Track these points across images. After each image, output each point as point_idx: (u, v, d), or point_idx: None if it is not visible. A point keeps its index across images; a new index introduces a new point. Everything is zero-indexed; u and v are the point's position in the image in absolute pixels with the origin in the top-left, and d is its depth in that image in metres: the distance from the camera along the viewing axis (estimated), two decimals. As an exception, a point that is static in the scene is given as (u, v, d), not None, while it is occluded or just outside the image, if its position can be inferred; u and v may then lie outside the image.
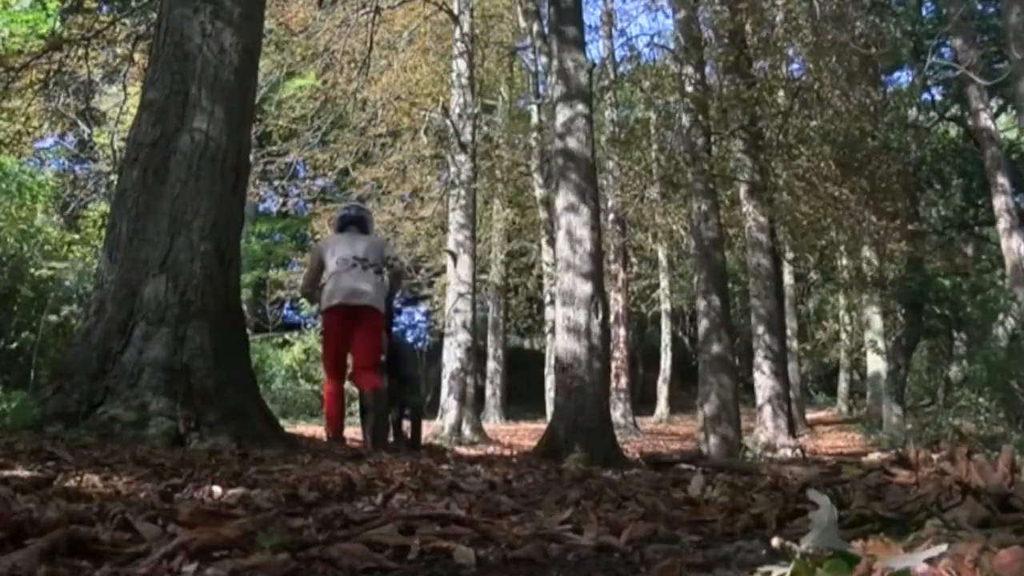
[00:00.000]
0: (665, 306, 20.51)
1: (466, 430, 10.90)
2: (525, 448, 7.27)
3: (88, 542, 1.31)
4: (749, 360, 12.40)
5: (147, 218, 3.84)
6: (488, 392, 18.72)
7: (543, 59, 10.76)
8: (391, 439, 5.42)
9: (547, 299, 16.47)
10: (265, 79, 13.01)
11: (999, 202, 11.03)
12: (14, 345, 7.37)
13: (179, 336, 3.65)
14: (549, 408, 12.58)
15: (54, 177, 11.47)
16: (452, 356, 11.35)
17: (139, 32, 8.61)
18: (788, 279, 17.27)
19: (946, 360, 14.48)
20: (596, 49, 19.35)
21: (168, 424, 3.43)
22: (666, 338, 20.07)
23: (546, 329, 16.44)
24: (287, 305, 20.93)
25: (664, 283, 20.40)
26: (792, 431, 10.82)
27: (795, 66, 12.42)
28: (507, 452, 6.80)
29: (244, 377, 4.04)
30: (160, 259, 3.76)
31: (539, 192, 16.63)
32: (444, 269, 15.49)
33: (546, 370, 16.39)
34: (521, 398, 20.11)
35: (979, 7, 14.55)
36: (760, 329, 10.66)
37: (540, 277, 17.95)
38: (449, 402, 11.02)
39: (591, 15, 18.35)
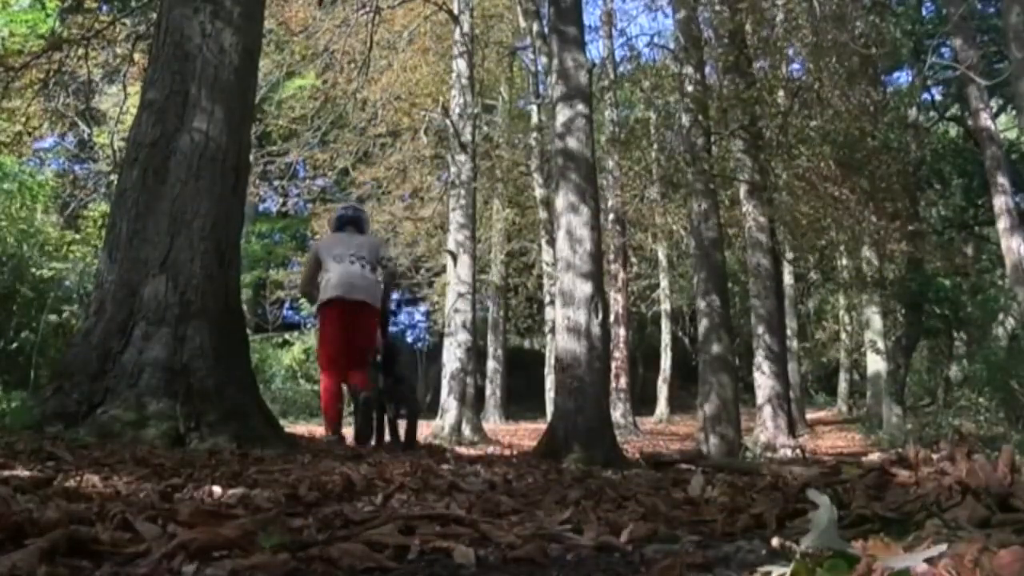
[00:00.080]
0: (665, 306, 20.51)
1: (466, 430, 10.89)
2: (525, 448, 7.26)
3: (88, 542, 1.31)
4: (749, 360, 12.40)
5: (147, 218, 3.84)
6: (488, 392, 18.72)
7: (543, 59, 10.77)
8: (387, 438, 5.46)
9: (547, 299, 16.47)
10: (265, 79, 13.01)
11: (999, 202, 11.03)
12: (14, 345, 7.38)
13: (179, 336, 3.65)
14: (549, 408, 12.59)
15: (54, 177, 11.46)
16: (452, 356, 11.35)
17: (139, 32, 8.61)
18: (788, 279, 17.26)
19: (946, 360, 14.49)
20: (596, 49, 19.36)
21: (168, 424, 3.43)
22: (666, 338, 20.07)
23: (546, 329, 16.43)
24: (287, 305, 20.95)
25: (664, 283, 20.40)
26: (792, 431, 10.82)
27: (795, 66, 12.44)
28: (507, 452, 6.80)
29: (244, 377, 4.04)
30: (160, 259, 3.76)
31: (539, 192, 16.63)
32: (444, 269, 15.49)
33: (546, 370, 16.39)
34: (521, 398, 20.11)
35: (979, 7, 14.55)
36: (760, 329, 10.66)
37: (540, 277, 17.95)
38: (449, 402, 11.02)
39: (591, 15, 18.35)
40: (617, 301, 15.68)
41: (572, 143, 6.27)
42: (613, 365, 14.08)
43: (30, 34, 9.44)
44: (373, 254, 5.35)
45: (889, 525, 1.57)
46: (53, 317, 7.74)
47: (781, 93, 11.32)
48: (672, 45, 11.95)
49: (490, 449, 8.08)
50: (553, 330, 10.16)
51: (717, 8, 10.72)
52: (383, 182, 16.54)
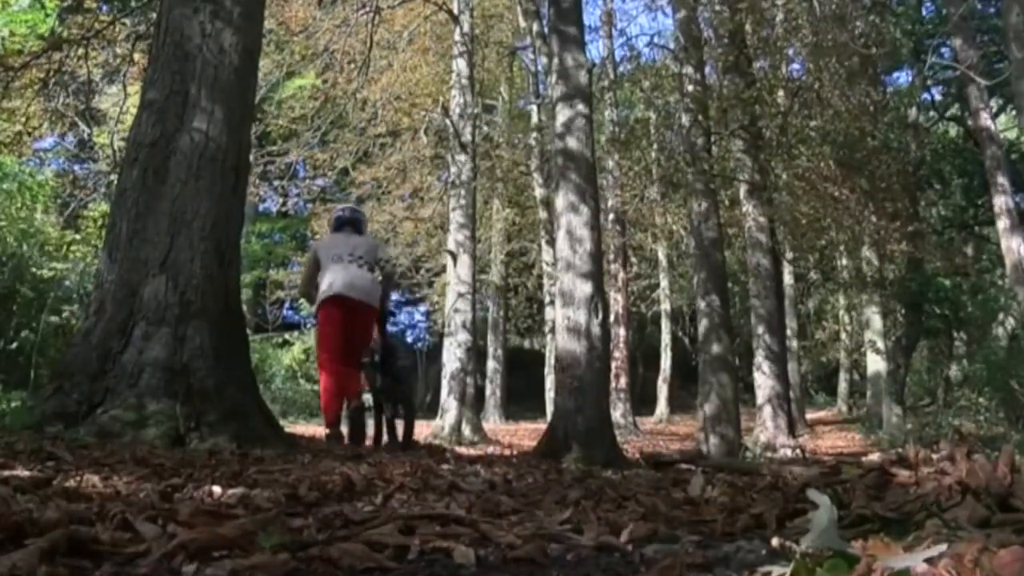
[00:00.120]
0: (665, 306, 20.51)
1: (466, 430, 10.89)
2: (525, 448, 7.26)
3: (88, 542, 1.31)
4: (749, 360, 12.40)
5: (147, 218, 3.84)
6: (488, 392, 18.72)
7: (543, 59, 10.76)
8: (385, 438, 5.50)
9: (547, 299, 16.47)
10: (265, 79, 13.01)
11: (999, 202, 11.04)
12: (14, 345, 7.38)
13: (179, 336, 3.65)
14: (549, 408, 12.58)
15: (54, 177, 11.46)
16: (452, 356, 11.35)
17: (139, 32, 8.60)
18: (788, 279, 17.26)
19: (946, 360, 14.49)
20: (596, 49, 19.37)
21: (168, 424, 3.43)
22: (666, 338, 20.07)
23: (546, 329, 16.44)
24: (287, 305, 20.95)
25: (664, 283, 20.40)
26: (792, 431, 10.82)
27: (795, 66, 12.44)
28: (507, 452, 6.80)
29: (244, 377, 4.04)
30: (160, 259, 3.76)
31: (539, 192, 16.63)
32: (444, 269, 15.49)
33: (546, 370, 16.39)
34: (521, 398, 20.11)
35: (979, 7, 14.55)
36: (760, 329, 10.66)
37: (540, 277, 17.95)
38: (449, 402, 11.02)
39: (591, 15, 18.36)
40: (617, 301, 15.68)
41: (572, 143, 6.27)
42: (613, 365, 14.08)
43: (30, 34, 9.44)
44: (371, 254, 5.41)
45: (889, 525, 1.57)
46: (53, 317, 7.75)
47: (781, 93, 11.32)
48: (672, 45, 11.95)
49: (490, 449, 8.08)
50: (553, 330, 10.15)
51: (717, 8, 10.72)
52: (383, 182, 16.54)
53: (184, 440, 3.42)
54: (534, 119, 18.22)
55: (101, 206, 10.58)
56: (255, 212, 20.01)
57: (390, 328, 6.34)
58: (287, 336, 17.79)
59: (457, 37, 12.80)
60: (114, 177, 7.86)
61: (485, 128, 17.57)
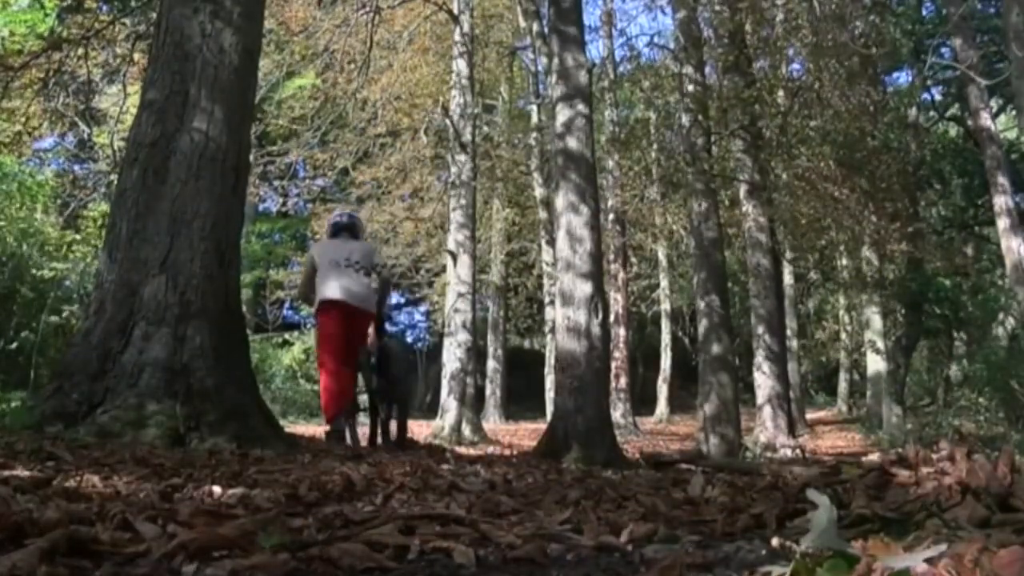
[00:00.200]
0: (665, 306, 20.51)
1: (466, 430, 10.90)
2: (525, 448, 7.26)
3: (88, 542, 1.31)
4: (749, 360, 12.40)
5: (147, 218, 3.83)
6: (488, 392, 18.71)
7: (543, 59, 10.76)
8: (379, 440, 5.57)
9: (547, 299, 16.47)
10: (265, 79, 13.01)
11: (999, 202, 11.04)
12: (14, 345, 7.38)
13: (179, 336, 3.65)
14: (549, 408, 12.59)
15: (54, 177, 11.45)
16: (452, 356, 11.35)
17: (139, 32, 8.60)
18: (788, 279, 17.25)
19: (946, 360, 14.49)
20: (596, 49, 19.36)
21: (168, 424, 3.43)
22: (666, 338, 20.07)
23: (546, 329, 16.44)
24: (287, 305, 20.93)
25: (664, 283, 20.40)
26: (792, 431, 10.82)
27: (795, 66, 12.44)
28: (507, 452, 6.80)
29: (244, 377, 4.04)
30: (160, 259, 3.76)
31: (539, 192, 16.63)
32: (444, 269, 15.49)
33: (546, 370, 16.39)
34: (521, 398, 20.11)
35: (979, 7, 14.55)
36: (760, 329, 10.66)
37: (540, 277, 17.95)
38: (449, 402, 11.02)
39: (591, 15, 18.35)
40: (617, 301, 15.68)
41: (572, 143, 6.27)
42: (613, 365, 14.08)
43: (29, 34, 9.43)
44: (368, 259, 5.50)
45: (889, 525, 1.57)
46: (53, 317, 7.75)
47: (781, 93, 11.32)
48: (672, 45, 11.95)
49: (490, 449, 8.08)
50: (553, 330, 10.15)
51: (717, 8, 10.71)
52: (383, 182, 16.54)
53: (184, 440, 3.42)
54: (534, 119, 18.22)
55: (101, 206, 10.57)
56: (255, 212, 20.01)
57: (390, 329, 6.40)
58: (287, 336, 17.78)
59: (457, 37, 12.80)
60: (114, 177, 7.86)
61: (485, 128, 17.57)
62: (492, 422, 16.66)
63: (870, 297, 14.66)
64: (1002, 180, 11.08)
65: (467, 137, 12.22)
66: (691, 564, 1.34)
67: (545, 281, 16.70)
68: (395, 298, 23.71)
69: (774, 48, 11.45)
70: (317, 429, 6.73)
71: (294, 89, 16.19)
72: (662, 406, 19.07)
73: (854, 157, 11.78)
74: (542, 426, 8.61)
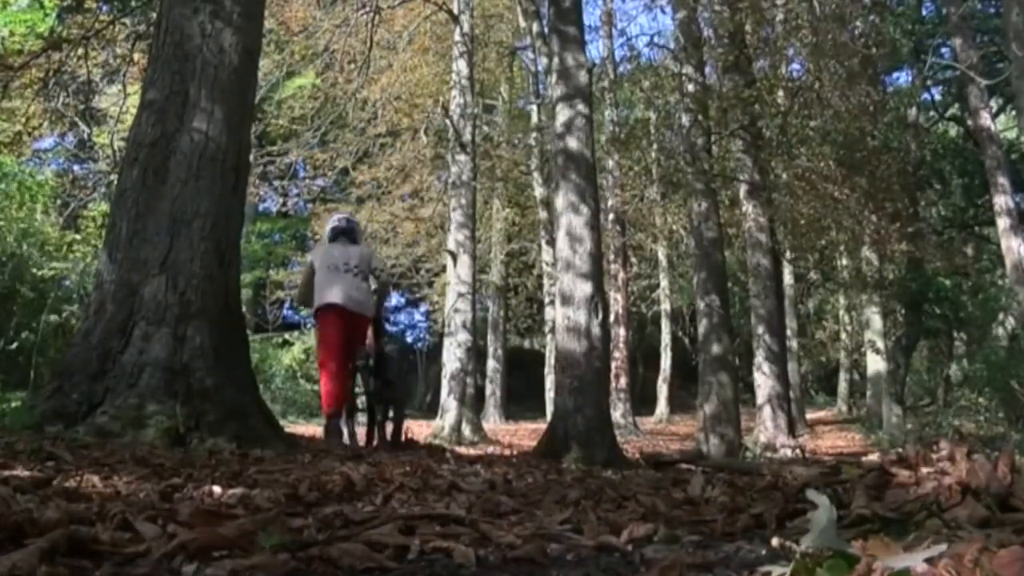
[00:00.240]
0: (665, 306, 20.51)
1: (466, 430, 10.89)
2: (525, 448, 7.26)
3: (88, 542, 1.31)
4: (749, 360, 12.40)
5: (147, 218, 3.83)
6: (488, 392, 18.71)
7: (543, 59, 10.76)
8: (375, 440, 5.66)
9: (547, 299, 16.47)
10: (265, 79, 13.01)
11: (999, 202, 11.05)
12: (14, 345, 7.38)
13: (179, 336, 3.65)
14: (549, 408, 12.59)
15: (54, 177, 11.45)
16: (452, 356, 11.35)
17: (139, 32, 8.60)
18: (788, 279, 17.25)
19: (946, 360, 14.50)
20: (596, 49, 19.38)
21: (168, 424, 3.43)
22: (666, 338, 20.07)
23: (546, 329, 16.44)
24: (287, 305, 20.91)
25: (664, 283, 20.40)
26: (792, 431, 10.82)
27: (795, 66, 12.43)
28: (507, 452, 6.80)
29: (244, 377, 4.04)
30: (160, 259, 3.76)
31: (539, 192, 16.63)
32: (444, 269, 15.49)
33: (546, 370, 16.39)
34: (521, 398, 20.11)
35: (979, 7, 14.55)
36: (760, 329, 10.66)
37: (540, 277, 17.95)
38: (449, 402, 11.02)
39: (591, 15, 18.33)
40: (617, 301, 15.68)
41: (572, 143, 6.27)
42: (613, 365, 14.08)
43: (29, 34, 9.43)
44: (366, 264, 5.60)
45: (889, 525, 1.57)
46: (53, 317, 7.75)
47: (781, 93, 11.32)
48: (672, 45, 11.94)
49: (490, 449, 8.08)
50: (553, 330, 10.15)
51: (717, 8, 10.71)
52: (383, 182, 16.54)
53: (184, 440, 3.42)
54: (534, 119, 18.22)
55: (101, 206, 10.57)
56: (255, 212, 20.00)
57: (390, 329, 6.48)
58: (287, 336, 17.78)
59: (457, 37, 12.80)
60: (114, 177, 7.86)
61: (485, 128, 17.57)
62: (492, 422, 16.66)
63: (870, 297, 14.66)
64: (1002, 180, 11.08)
65: (467, 137, 12.23)
66: (691, 564, 1.34)
67: (545, 281, 16.71)
68: (395, 299, 23.71)
69: (774, 48, 11.45)
70: (317, 429, 6.74)
71: (294, 89, 16.18)
72: (662, 406, 19.06)
73: (854, 157, 11.78)
74: (542, 426, 8.61)
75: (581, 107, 6.35)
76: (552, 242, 11.61)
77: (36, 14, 9.56)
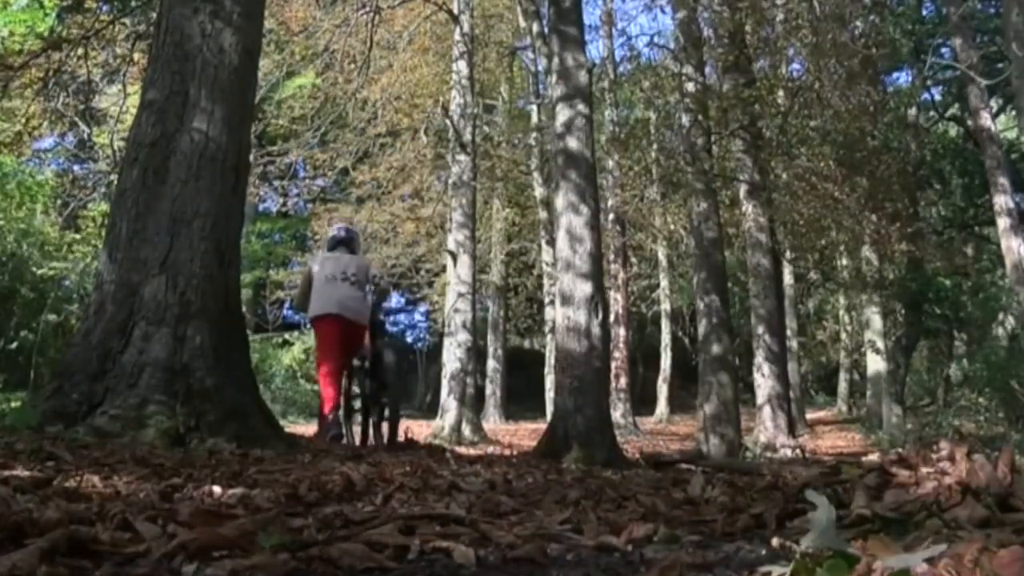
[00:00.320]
0: (665, 306, 20.50)
1: (466, 430, 10.89)
2: (525, 448, 7.26)
3: (88, 542, 1.31)
4: (749, 360, 12.39)
5: (147, 218, 3.83)
6: (488, 392, 18.71)
7: (543, 59, 10.76)
8: (371, 441, 5.80)
9: (547, 299, 16.46)
10: (265, 79, 13.01)
11: (999, 202, 11.05)
12: (14, 345, 7.38)
13: (179, 336, 3.65)
14: (549, 408, 12.58)
15: (54, 177, 11.45)
16: (452, 356, 11.35)
17: (139, 32, 8.60)
18: (788, 279, 17.25)
19: (946, 360, 14.50)
20: (596, 49, 19.37)
21: (168, 424, 3.43)
22: (666, 338, 20.06)
23: (546, 329, 16.43)
24: (287, 305, 20.89)
25: (664, 283, 20.39)
26: (792, 431, 10.81)
27: (795, 66, 12.43)
28: (507, 452, 6.80)
29: (244, 377, 4.04)
30: (160, 259, 3.76)
31: (539, 192, 16.63)
32: (444, 269, 15.49)
33: (546, 370, 16.39)
34: (521, 398, 20.11)
35: (979, 7, 14.55)
36: (760, 329, 10.65)
37: (540, 277, 17.95)
38: (449, 402, 11.02)
39: (591, 15, 18.33)
40: (617, 301, 15.68)
41: (572, 143, 6.27)
42: (613, 365, 14.08)
43: (29, 33, 9.43)
44: (363, 273, 5.79)
45: (889, 525, 1.57)
46: (53, 317, 7.75)
47: (781, 93, 11.32)
48: (672, 45, 11.94)
49: (490, 449, 8.07)
50: (553, 330, 10.15)
51: (717, 8, 10.71)
52: (383, 182, 16.54)
53: (184, 440, 3.42)
54: (534, 119, 18.21)
55: (101, 206, 10.57)
56: (255, 212, 19.99)
57: (390, 329, 6.62)
58: (287, 336, 17.77)
59: (457, 37, 12.80)
60: (114, 177, 7.86)
61: (485, 128, 17.56)
62: (492, 422, 16.66)
63: (870, 297, 14.66)
64: (1002, 180, 11.09)
65: (467, 137, 12.23)
66: (691, 564, 1.34)
67: (545, 281, 16.70)
68: (395, 299, 23.67)
69: (774, 48, 11.45)
70: (317, 429, 6.77)
71: (294, 89, 16.18)
72: (662, 406, 19.06)
73: (854, 157, 11.78)
74: (542, 426, 8.61)
75: (581, 107, 6.35)
76: (552, 242, 11.61)
77: (36, 14, 9.56)
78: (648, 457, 4.80)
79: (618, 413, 13.72)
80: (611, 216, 15.46)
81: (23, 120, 10.04)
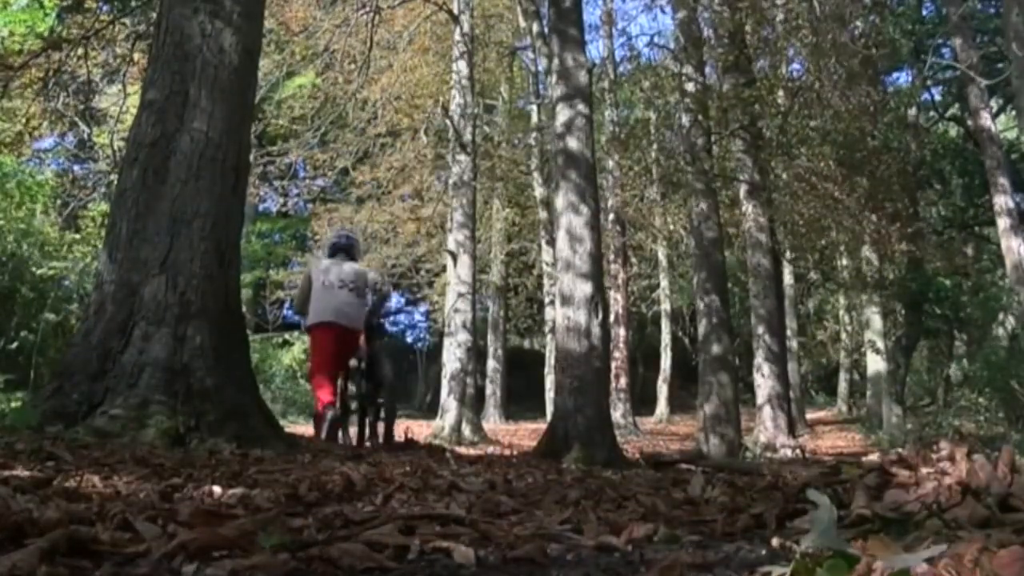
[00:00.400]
0: (665, 306, 20.50)
1: (466, 430, 10.89)
2: (525, 448, 7.26)
3: (88, 542, 1.31)
4: (749, 360, 12.39)
5: (147, 218, 3.83)
6: (488, 392, 18.71)
7: (543, 59, 10.76)
8: (368, 441, 5.84)
9: (547, 299, 16.46)
10: (265, 79, 13.00)
11: (999, 202, 11.04)
12: (14, 345, 7.38)
13: (179, 336, 3.65)
14: (549, 408, 12.58)
15: (54, 177, 11.44)
16: (452, 356, 11.35)
17: (139, 32, 8.60)
18: (788, 279, 17.25)
19: (946, 360, 14.50)
20: (596, 49, 19.37)
21: (168, 424, 3.43)
22: (666, 338, 20.06)
23: (546, 329, 16.43)
24: (287, 305, 20.89)
25: (664, 283, 20.39)
26: (792, 431, 10.81)
27: (795, 66, 12.43)
28: (507, 452, 6.80)
29: (244, 377, 4.04)
30: (160, 259, 3.76)
31: (539, 192, 16.63)
32: (444, 269, 15.49)
33: (546, 370, 16.39)
34: (521, 398, 20.11)
35: (979, 7, 14.55)
36: (760, 329, 10.65)
37: (540, 277, 17.95)
38: (449, 402, 11.02)
39: (591, 15, 18.32)
40: (617, 301, 15.67)
41: (572, 143, 6.27)
42: (613, 365, 14.07)
43: (29, 33, 9.43)
44: (361, 280, 5.84)
45: (889, 525, 1.57)
46: (53, 316, 7.74)
47: (781, 93, 11.32)
48: (672, 45, 11.94)
49: (490, 449, 8.07)
50: (553, 330, 10.15)
51: (717, 8, 10.71)
52: (383, 182, 16.54)
53: (184, 440, 3.42)
54: (534, 119, 18.21)
55: (101, 206, 10.56)
56: (255, 212, 19.99)
57: (390, 329, 6.64)
58: (287, 336, 17.74)
59: (457, 37, 12.81)
60: (114, 177, 7.86)
61: (485, 128, 17.56)
62: (492, 422, 16.66)
63: (870, 297, 14.66)
64: (1002, 180, 11.08)
65: (467, 137, 12.23)
66: (691, 564, 1.34)
67: (545, 281, 16.70)
68: (395, 300, 23.64)
69: (774, 48, 11.45)
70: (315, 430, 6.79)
71: (294, 89, 16.18)
72: (662, 406, 19.06)
73: (854, 157, 11.78)
74: (542, 426, 8.61)
75: (581, 107, 6.35)
76: (552, 242, 11.61)
77: (36, 14, 9.55)
78: (648, 457, 4.80)
79: (618, 413, 13.72)
80: (611, 216, 15.46)
81: (23, 120, 10.04)
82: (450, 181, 12.88)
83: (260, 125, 15.62)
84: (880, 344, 14.62)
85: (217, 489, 2.05)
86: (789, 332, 16.63)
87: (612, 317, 14.90)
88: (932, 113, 16.46)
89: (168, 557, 1.27)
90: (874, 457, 2.86)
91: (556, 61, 6.56)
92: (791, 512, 1.84)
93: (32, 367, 6.84)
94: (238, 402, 3.76)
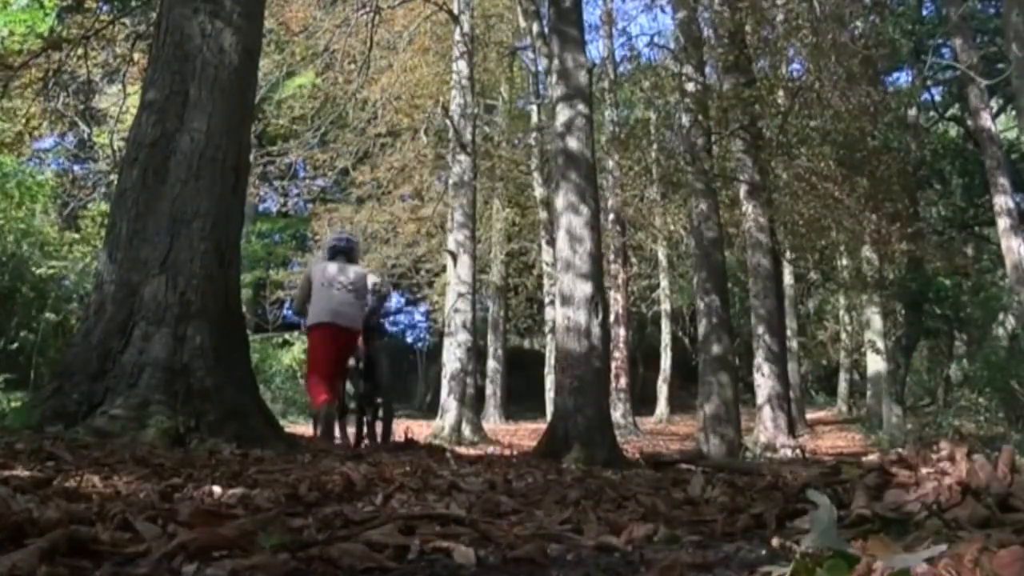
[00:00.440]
0: (665, 306, 20.50)
1: (466, 430, 10.89)
2: (525, 448, 7.26)
3: (88, 542, 1.31)
4: (749, 360, 12.39)
5: (147, 218, 3.83)
6: (488, 392, 18.71)
7: (543, 59, 10.76)
8: (366, 441, 5.91)
9: (547, 299, 16.46)
10: (265, 79, 13.00)
11: (999, 202, 11.04)
12: (14, 345, 7.38)
13: (179, 336, 3.65)
14: (549, 408, 12.58)
15: (54, 177, 11.45)
16: (452, 356, 11.35)
17: (139, 32, 8.60)
18: (788, 279, 17.24)
19: (946, 360, 14.50)
20: (596, 49, 19.37)
21: (168, 424, 3.43)
22: (666, 338, 20.06)
23: (546, 329, 16.43)
24: (287, 305, 20.89)
25: (664, 283, 20.39)
26: (792, 431, 10.81)
27: (795, 66, 12.43)
28: (507, 452, 6.80)
29: (244, 377, 4.04)
30: (160, 259, 3.76)
31: (539, 192, 16.63)
32: (444, 269, 15.49)
33: (546, 370, 16.38)
34: (521, 398, 20.11)
35: (979, 7, 14.55)
36: (760, 329, 10.65)
37: (540, 277, 17.94)
38: (449, 402, 11.02)
39: (591, 15, 18.31)
40: (617, 301, 15.67)
41: (572, 143, 6.27)
42: (613, 365, 14.07)
43: (29, 33, 9.43)
44: (361, 282, 5.86)
45: (889, 525, 1.57)
46: (53, 316, 7.74)
47: (781, 93, 11.32)
48: (672, 45, 11.94)
49: (490, 449, 8.07)
50: (553, 330, 10.15)
51: (717, 8, 10.71)
52: (383, 182, 16.54)
53: (184, 440, 3.42)
54: (534, 119, 18.21)
55: (101, 206, 10.57)
56: (255, 212, 19.98)
57: (390, 329, 6.67)
58: (287, 336, 17.73)
59: (457, 37, 12.80)
60: (114, 177, 7.86)
61: (485, 128, 17.57)
62: (492, 422, 16.66)
63: (870, 297, 14.66)
64: (1002, 180, 11.08)
65: (467, 137, 12.22)
66: (691, 564, 1.34)
67: (545, 281, 16.70)
68: (395, 300, 23.64)
69: (774, 48, 11.45)
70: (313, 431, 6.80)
71: (294, 89, 16.18)
72: (662, 406, 19.06)
73: (854, 157, 11.78)
74: (542, 426, 8.61)
75: (581, 107, 6.35)
76: (552, 242, 11.61)
77: (36, 14, 9.56)
78: (648, 457, 4.79)
79: (618, 413, 13.72)
80: (611, 216, 15.45)
81: (23, 120, 10.04)
82: (450, 181, 12.88)
83: (260, 125, 15.62)
84: (880, 344, 14.62)
85: (217, 489, 2.05)
86: (789, 332, 16.62)
87: (612, 317, 14.89)
88: (932, 113, 16.46)
89: (168, 557, 1.27)
90: (874, 457, 2.85)
91: (556, 61, 6.55)
92: (791, 512, 1.84)
93: (32, 367, 6.84)
94: (238, 402, 3.76)
